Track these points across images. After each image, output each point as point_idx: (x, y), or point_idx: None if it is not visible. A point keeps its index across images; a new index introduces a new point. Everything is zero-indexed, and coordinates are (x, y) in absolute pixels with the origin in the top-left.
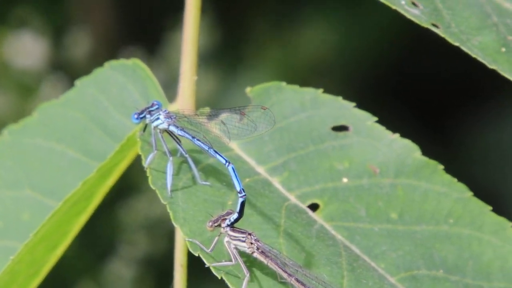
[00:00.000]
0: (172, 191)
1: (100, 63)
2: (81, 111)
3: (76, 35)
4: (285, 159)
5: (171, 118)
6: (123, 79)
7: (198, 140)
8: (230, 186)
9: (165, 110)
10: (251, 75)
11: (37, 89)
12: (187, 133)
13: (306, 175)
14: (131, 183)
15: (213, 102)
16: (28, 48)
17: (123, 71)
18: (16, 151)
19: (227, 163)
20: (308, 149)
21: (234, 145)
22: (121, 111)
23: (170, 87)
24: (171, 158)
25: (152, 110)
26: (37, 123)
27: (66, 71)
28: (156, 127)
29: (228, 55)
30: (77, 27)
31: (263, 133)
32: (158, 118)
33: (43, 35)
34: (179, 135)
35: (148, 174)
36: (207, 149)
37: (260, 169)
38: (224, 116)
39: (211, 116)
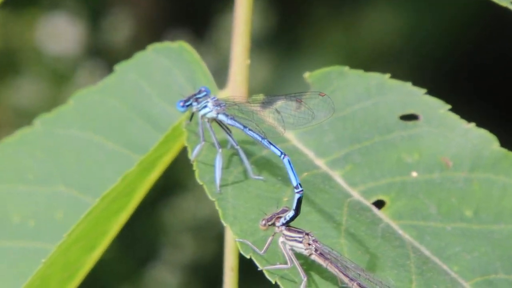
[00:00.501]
0: (221, 186)
1: (141, 48)
2: (121, 98)
3: (115, 18)
4: (347, 151)
5: (221, 106)
6: (168, 63)
7: (250, 130)
8: (286, 180)
9: (214, 97)
10: (309, 61)
11: (72, 77)
12: (238, 122)
13: (371, 169)
14: (176, 179)
15: (267, 89)
16: (62, 32)
17: (168, 55)
18: (49, 143)
19: (283, 155)
20: (374, 139)
21: (290, 136)
22: (165, 98)
23: (220, 73)
24: (220, 150)
25: (200, 97)
26: (73, 111)
27: (104, 57)
28: (203, 115)
29: (284, 39)
30: (116, 8)
31: (323, 122)
32: (206, 106)
33: (79, 17)
34: (229, 124)
35: (194, 168)
36: (260, 139)
37: (320, 162)
38: (279, 103)
39: (264, 104)
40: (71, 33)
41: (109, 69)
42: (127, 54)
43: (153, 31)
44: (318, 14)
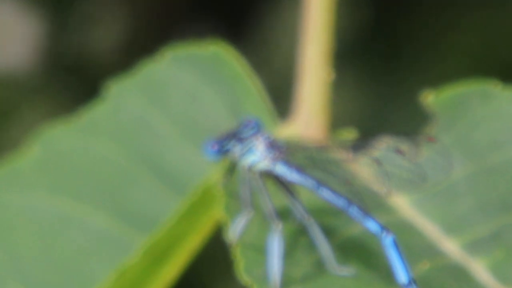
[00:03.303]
0: (282, 287)
1: (140, 57)
2: (115, 141)
3: (99, 11)
4: (498, 226)
5: (279, 151)
6: (193, 80)
7: (330, 191)
8: (391, 276)
9: (268, 136)
10: (420, 77)
11: (25, 105)
12: (309, 177)
13: None
14: (202, 277)
15: (354, 122)
16: (11, 33)
17: (194, 66)
18: None
19: (384, 233)
20: None
21: (399, 201)
22: (188, 140)
23: (277, 97)
24: (279, 226)
25: (244, 136)
26: (35, 166)
27: (81, 72)
28: (251, 167)
29: (380, 44)
30: None
31: (452, 181)
32: (253, 151)
33: (39, 11)
34: (293, 182)
35: (235, 256)
36: (346, 208)
37: (450, 245)
38: (380, 148)
39: (355, 148)
40: (26, 35)
41: (91, 92)
42: (118, 67)
43: (157, 31)
44: (434, 6)
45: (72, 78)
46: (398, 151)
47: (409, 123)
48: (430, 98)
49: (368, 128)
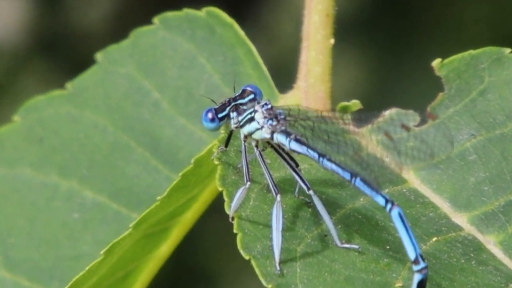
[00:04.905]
0: (283, 261)
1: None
2: (107, 111)
3: None
4: (508, 199)
5: (278, 120)
6: (188, 46)
7: (332, 162)
8: (398, 251)
9: (267, 104)
10: (429, 49)
11: (15, 80)
12: (310, 148)
13: None
14: (197, 259)
15: (364, 94)
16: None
17: (189, 32)
18: None
19: (390, 205)
20: None
21: (408, 175)
22: (183, 109)
23: (278, 69)
24: (279, 198)
25: (242, 103)
26: (20, 137)
27: (69, 48)
28: (249, 136)
29: (390, 17)
30: None
31: (463, 151)
32: (252, 119)
33: None
34: (294, 152)
35: (236, 230)
36: (349, 179)
37: (460, 219)
38: (388, 120)
39: (362, 121)
40: (15, 9)
41: (83, 65)
42: (108, 41)
43: (150, 6)
44: None
45: (63, 52)
46: (403, 126)
47: (420, 96)
48: (440, 64)
49: (377, 102)
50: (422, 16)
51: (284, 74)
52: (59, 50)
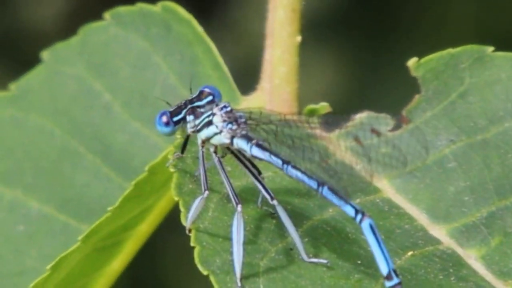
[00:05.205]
0: (244, 277)
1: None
2: (54, 114)
3: None
4: (491, 210)
5: (238, 124)
6: (143, 45)
7: (296, 169)
8: (371, 266)
9: (226, 106)
10: (406, 49)
11: None
12: (273, 154)
13: None
14: (156, 270)
15: (339, 97)
16: None
17: (143, 29)
18: None
19: (360, 216)
20: None
21: (381, 183)
22: (136, 112)
23: (242, 71)
24: (239, 208)
25: (199, 106)
26: None
27: (15, 46)
28: (206, 141)
29: (368, 13)
30: None
31: (440, 157)
32: (210, 123)
33: None
34: (255, 158)
35: (193, 243)
36: (316, 187)
37: (438, 231)
38: (357, 124)
39: (330, 125)
40: None
41: (24, 67)
42: (59, 40)
43: (106, 4)
44: None
45: (8, 51)
46: (373, 131)
47: (394, 98)
48: (416, 63)
49: (353, 105)
50: (403, 13)
51: (252, 75)
52: (3, 48)
